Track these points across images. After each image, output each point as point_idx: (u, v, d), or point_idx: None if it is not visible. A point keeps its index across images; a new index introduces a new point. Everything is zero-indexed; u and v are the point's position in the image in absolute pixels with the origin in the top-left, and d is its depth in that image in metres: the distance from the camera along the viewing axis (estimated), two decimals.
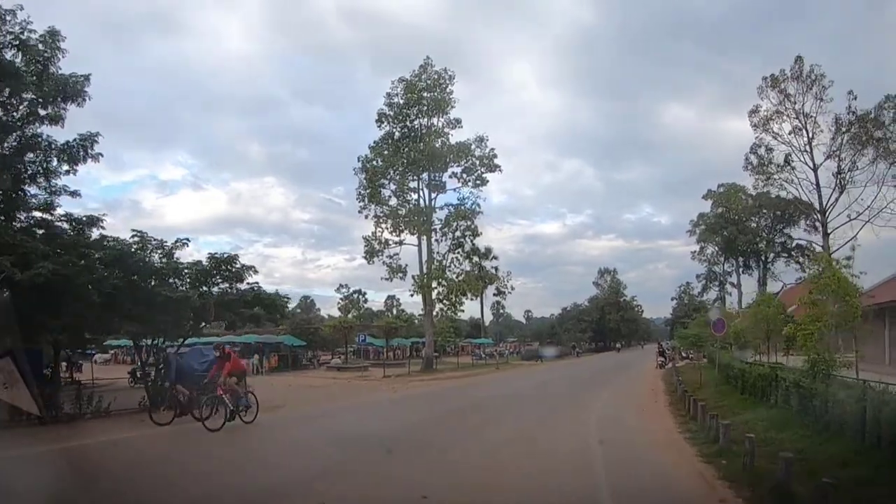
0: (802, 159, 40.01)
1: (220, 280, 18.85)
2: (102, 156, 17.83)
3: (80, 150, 17.32)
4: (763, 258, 59.14)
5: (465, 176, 43.68)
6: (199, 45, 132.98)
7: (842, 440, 9.35)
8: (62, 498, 6.86)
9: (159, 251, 17.39)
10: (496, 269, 65.71)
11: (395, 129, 43.43)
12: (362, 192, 43.28)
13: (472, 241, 44.42)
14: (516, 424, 14.78)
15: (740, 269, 62.31)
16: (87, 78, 17.27)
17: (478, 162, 43.56)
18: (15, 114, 16.91)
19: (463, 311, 48.22)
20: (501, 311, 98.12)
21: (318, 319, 71.14)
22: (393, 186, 43.67)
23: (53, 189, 17.92)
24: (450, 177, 44.14)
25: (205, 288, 18.59)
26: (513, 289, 74.55)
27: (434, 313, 44.92)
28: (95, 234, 16.86)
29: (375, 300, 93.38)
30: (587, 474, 8.94)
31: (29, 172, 17.49)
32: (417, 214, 42.93)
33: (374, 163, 43.16)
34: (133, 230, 17.38)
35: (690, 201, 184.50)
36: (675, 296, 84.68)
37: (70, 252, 14.78)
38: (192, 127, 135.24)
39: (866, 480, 7.25)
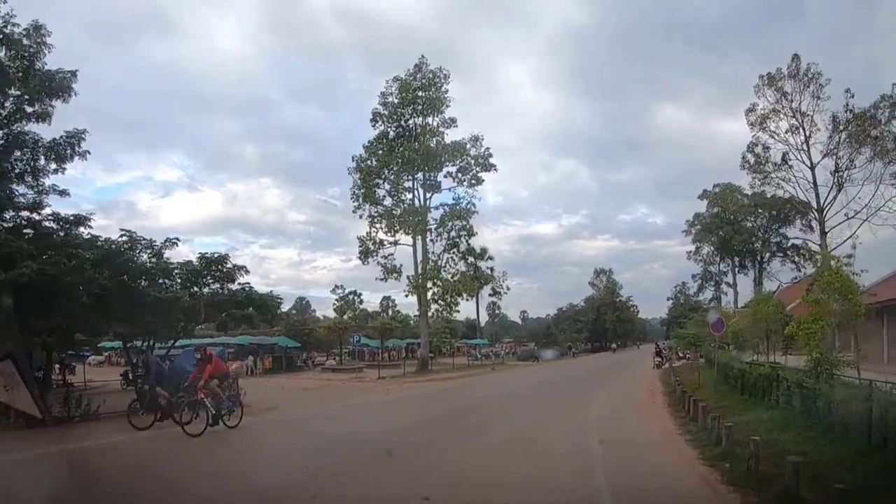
0: (799, 158, 39.94)
1: (211, 280, 18.59)
2: (90, 153, 17.63)
3: (66, 148, 17.02)
4: (759, 258, 59.16)
5: (460, 175, 43.38)
6: (193, 46, 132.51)
7: (847, 442, 9.10)
8: None
9: (148, 251, 17.10)
10: (492, 269, 65.87)
11: (389, 129, 43.06)
12: (357, 191, 42.94)
13: (467, 241, 44.23)
14: (513, 426, 14.47)
15: (736, 269, 62.47)
16: (73, 74, 17.00)
17: (473, 161, 43.20)
18: (1, 111, 16.59)
19: (458, 311, 47.88)
20: (497, 311, 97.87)
21: (314, 321, 70.80)
22: (387, 186, 43.31)
23: (41, 188, 17.63)
24: (445, 176, 43.87)
25: (196, 288, 18.30)
26: (508, 289, 74.08)
27: (429, 314, 44.61)
28: (84, 234, 16.57)
29: (371, 301, 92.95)
30: (586, 478, 8.66)
31: (16, 171, 17.22)
32: (412, 214, 42.57)
33: (369, 162, 42.78)
34: (122, 229, 17.14)
35: (685, 201, 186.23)
36: (671, 296, 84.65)
37: (58, 252, 14.47)
38: (187, 128, 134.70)
39: (876, 485, 6.99)
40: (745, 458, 8.42)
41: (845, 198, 38.20)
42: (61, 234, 16.35)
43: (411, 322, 57.46)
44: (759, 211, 54.93)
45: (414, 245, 43.11)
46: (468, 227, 43.46)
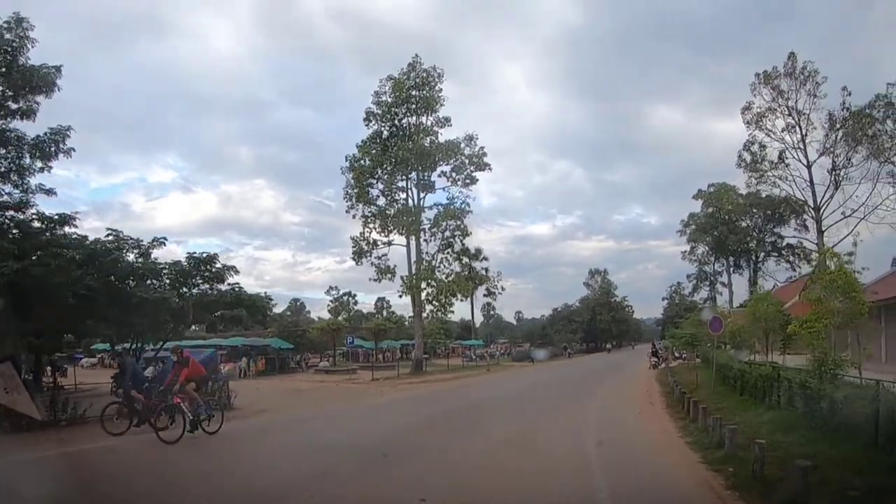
0: (796, 156, 39.75)
1: (200, 281, 18.20)
2: (74, 150, 17.26)
3: (51, 146, 16.63)
4: (754, 257, 59.12)
5: (454, 175, 43.01)
6: (188, 47, 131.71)
7: (854, 444, 8.81)
8: None
9: (135, 250, 16.70)
10: (486, 270, 65.48)
11: (383, 128, 42.72)
12: (350, 191, 42.49)
13: (461, 241, 43.77)
14: (510, 428, 14.05)
15: (731, 269, 62.40)
16: (58, 69, 16.58)
17: (467, 161, 42.86)
18: None
19: (453, 312, 47.53)
20: (492, 312, 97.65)
21: (308, 322, 70.34)
22: (381, 186, 42.96)
23: (27, 187, 17.24)
24: (439, 176, 43.48)
25: (185, 289, 17.93)
26: (503, 290, 73.86)
27: (424, 315, 44.24)
28: (72, 234, 16.16)
29: (366, 302, 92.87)
30: (586, 484, 8.33)
31: (0, 170, 16.80)
32: (406, 214, 42.23)
33: (363, 162, 42.37)
34: (108, 229, 16.75)
35: (679, 202, 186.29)
36: (666, 296, 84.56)
37: (44, 252, 14.14)
38: (181, 129, 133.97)
39: (890, 489, 6.71)
40: (749, 462, 8.15)
41: (842, 196, 38.12)
42: (47, 234, 15.93)
43: (406, 323, 57.11)
44: (754, 211, 54.88)
45: (408, 245, 42.85)
46: (462, 226, 43.07)
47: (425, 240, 42.91)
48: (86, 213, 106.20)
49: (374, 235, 42.62)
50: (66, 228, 16.00)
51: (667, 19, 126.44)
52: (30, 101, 16.62)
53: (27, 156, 16.95)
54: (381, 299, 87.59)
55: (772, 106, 39.76)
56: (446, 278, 42.71)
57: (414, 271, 42.02)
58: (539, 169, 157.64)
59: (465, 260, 48.95)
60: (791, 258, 55.34)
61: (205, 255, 18.34)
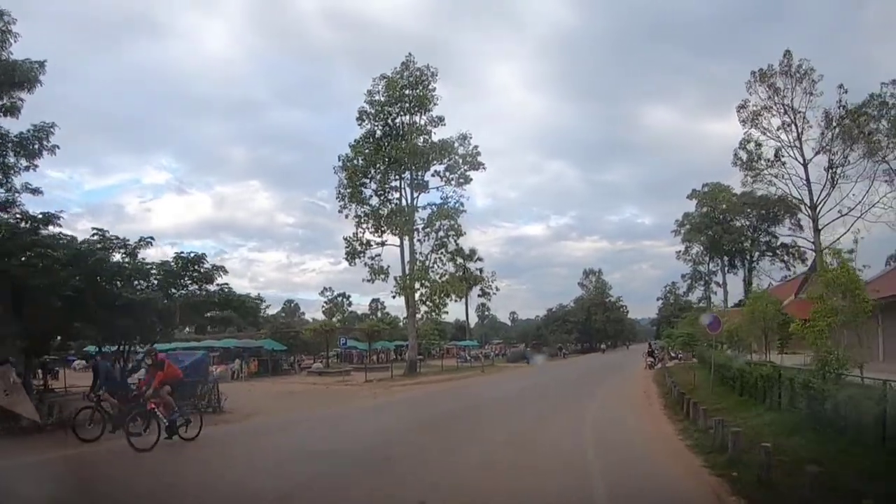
0: (792, 155, 39.66)
1: (188, 282, 17.79)
2: (59, 148, 16.82)
3: (35, 143, 16.22)
4: (748, 257, 59.11)
5: (447, 174, 42.69)
6: (182, 48, 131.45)
7: (862, 446, 8.52)
8: None
9: (122, 250, 16.28)
10: (481, 270, 65.30)
11: (376, 127, 42.29)
12: (343, 191, 42.10)
13: (455, 241, 43.41)
14: (507, 430, 13.76)
15: (725, 269, 62.37)
16: (41, 65, 16.17)
17: (461, 160, 42.52)
18: None
19: (447, 313, 47.17)
20: (486, 312, 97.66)
21: (301, 323, 69.90)
22: (374, 185, 42.58)
23: (11, 186, 16.84)
24: (432, 175, 43.16)
25: (173, 290, 17.53)
26: (497, 290, 73.36)
27: (417, 315, 43.91)
28: (58, 234, 15.75)
29: (360, 303, 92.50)
30: (585, 490, 8.01)
31: None
32: (399, 214, 41.85)
33: (355, 161, 41.93)
34: (94, 228, 16.32)
35: (673, 202, 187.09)
36: (661, 296, 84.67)
37: (30, 251, 13.78)
38: (175, 130, 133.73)
39: None
40: (754, 466, 7.85)
41: (839, 194, 38.07)
42: (33, 235, 15.50)
43: (400, 324, 56.74)
44: (749, 210, 54.87)
45: (401, 245, 42.44)
46: (456, 226, 42.71)
47: (419, 240, 42.64)
48: (80, 214, 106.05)
49: (368, 236, 42.35)
50: (52, 228, 15.56)
51: (661, 20, 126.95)
52: (13, 97, 16.22)
53: (11, 154, 16.55)
54: (375, 300, 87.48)
55: (767, 104, 39.77)
56: (440, 279, 42.38)
57: (407, 272, 41.64)
58: (533, 170, 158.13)
59: (460, 260, 48.71)
60: (786, 257, 55.48)
61: (193, 255, 17.95)
